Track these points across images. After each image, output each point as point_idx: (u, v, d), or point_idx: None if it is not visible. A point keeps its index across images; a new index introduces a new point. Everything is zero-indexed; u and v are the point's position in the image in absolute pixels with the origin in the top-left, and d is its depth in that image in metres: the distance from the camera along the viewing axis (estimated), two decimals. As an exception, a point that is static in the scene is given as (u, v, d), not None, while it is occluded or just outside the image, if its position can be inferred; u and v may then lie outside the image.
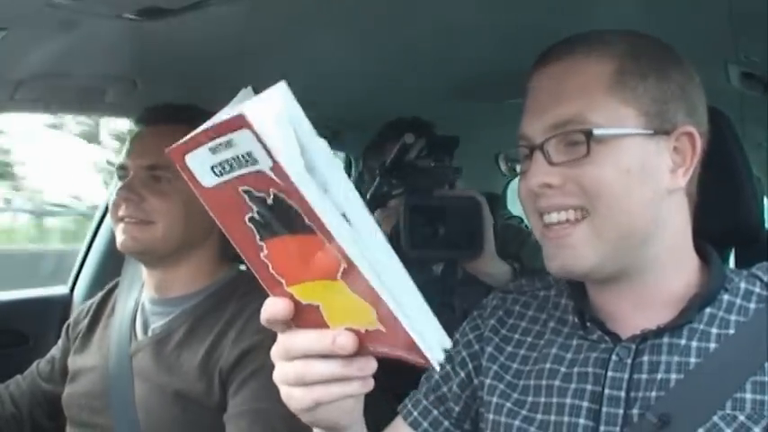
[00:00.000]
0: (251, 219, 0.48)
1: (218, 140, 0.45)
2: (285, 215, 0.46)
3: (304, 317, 0.52)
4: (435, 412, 0.79)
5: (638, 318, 0.69)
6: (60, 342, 1.23)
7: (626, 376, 0.66)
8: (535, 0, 1.05)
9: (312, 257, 0.47)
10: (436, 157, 1.28)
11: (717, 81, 1.38)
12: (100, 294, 1.24)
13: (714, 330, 0.66)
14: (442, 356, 0.49)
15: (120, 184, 1.09)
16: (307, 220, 0.45)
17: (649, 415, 0.64)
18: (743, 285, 0.69)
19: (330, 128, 1.82)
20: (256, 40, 1.14)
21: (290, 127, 0.44)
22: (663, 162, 0.67)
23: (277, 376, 0.55)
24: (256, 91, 0.47)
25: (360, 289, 0.47)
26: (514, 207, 2.54)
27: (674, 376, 0.65)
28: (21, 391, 1.20)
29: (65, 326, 1.24)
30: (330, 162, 0.46)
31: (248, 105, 0.44)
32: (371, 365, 0.53)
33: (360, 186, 1.91)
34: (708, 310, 0.67)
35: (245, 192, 0.47)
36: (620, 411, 0.65)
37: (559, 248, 0.68)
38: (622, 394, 0.66)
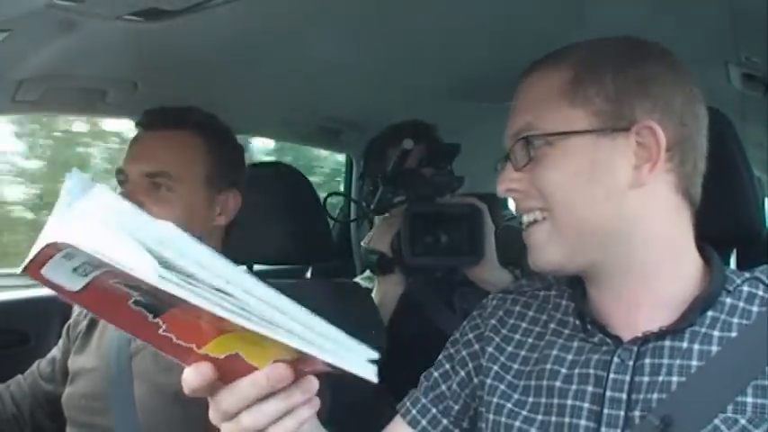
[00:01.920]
0: (135, 302, 0.46)
1: (64, 250, 0.43)
2: (164, 295, 0.44)
3: (228, 370, 0.51)
4: (434, 410, 0.79)
5: (638, 320, 0.69)
6: (61, 343, 1.23)
7: (627, 378, 0.66)
8: (535, 2, 1.05)
9: (203, 318, 0.46)
10: (437, 165, 1.28)
11: (717, 82, 1.38)
12: (100, 295, 1.24)
13: (716, 333, 0.66)
14: (373, 369, 0.49)
15: (119, 188, 1.09)
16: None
17: (651, 417, 0.64)
18: (745, 288, 0.68)
19: (330, 128, 1.83)
20: (256, 40, 1.14)
21: (126, 233, 0.43)
22: (622, 159, 0.67)
23: None
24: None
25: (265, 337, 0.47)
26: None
27: (675, 379, 0.65)
28: (22, 391, 1.20)
29: (65, 326, 1.24)
30: (182, 246, 0.45)
31: (71, 227, 0.42)
32: (314, 384, 0.53)
33: (361, 188, 1.92)
34: (710, 312, 0.67)
35: (118, 282, 0.45)
36: (622, 413, 0.65)
37: (530, 247, 0.72)
38: (624, 396, 0.66)
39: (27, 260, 0.44)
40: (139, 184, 1.06)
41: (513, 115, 0.72)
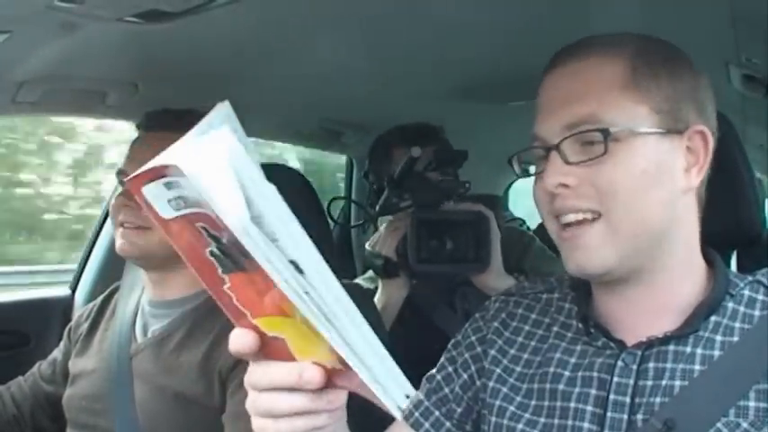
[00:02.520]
0: (211, 252, 0.47)
1: (168, 178, 0.44)
2: (241, 254, 0.45)
3: (271, 348, 0.51)
4: (437, 413, 0.79)
5: (644, 325, 0.69)
6: (62, 344, 1.23)
7: (631, 382, 0.66)
8: (537, 2, 1.05)
9: (268, 293, 0.47)
10: (443, 171, 1.28)
11: (718, 83, 1.37)
12: (101, 297, 1.24)
13: (718, 338, 0.66)
14: (404, 404, 0.49)
15: (120, 189, 1.10)
16: (256, 266, 0.45)
17: (654, 420, 0.64)
18: (746, 292, 0.68)
19: (331, 129, 1.83)
20: (257, 42, 1.14)
21: (234, 177, 0.43)
22: (677, 161, 0.66)
23: (249, 405, 0.55)
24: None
25: (317, 332, 0.47)
26: (516, 208, 2.54)
27: (678, 383, 0.65)
28: (22, 393, 1.20)
29: (66, 328, 1.24)
30: (279, 209, 0.45)
31: (188, 153, 0.43)
32: (341, 398, 0.53)
33: (364, 188, 1.91)
34: (713, 317, 0.67)
35: (202, 228, 0.45)
36: (625, 417, 0.65)
37: (575, 249, 0.67)
38: (627, 399, 0.66)
39: (135, 173, 0.45)
40: None
41: (564, 104, 0.67)
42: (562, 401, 0.69)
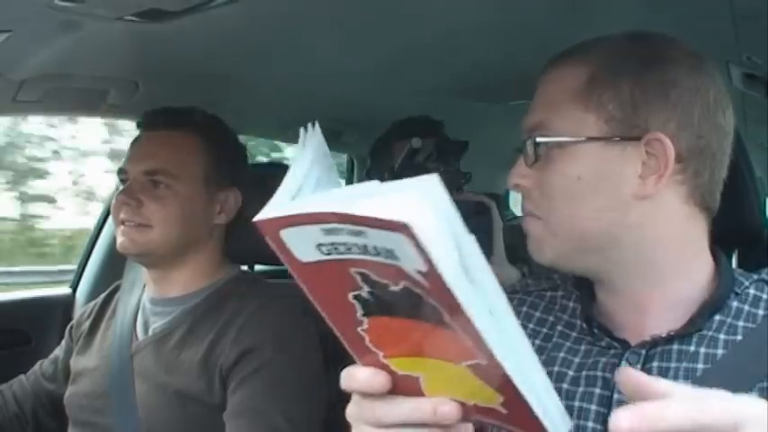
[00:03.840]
0: (356, 296, 0.43)
1: (332, 224, 0.38)
2: (407, 302, 0.41)
3: (398, 385, 0.48)
4: None
5: (645, 323, 0.68)
6: (63, 343, 1.23)
7: None
8: (537, 1, 1.05)
9: (425, 340, 0.43)
10: (445, 162, 1.28)
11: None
12: (102, 296, 1.24)
13: (722, 336, 0.66)
14: None
15: (120, 187, 1.10)
16: (447, 318, 0.41)
17: None
18: (752, 291, 0.68)
19: (331, 128, 1.83)
20: (257, 41, 1.14)
21: (450, 230, 0.39)
22: (629, 168, 0.65)
23: None
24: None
25: (490, 378, 0.43)
26: (517, 208, 2.54)
27: (681, 382, 0.64)
28: (24, 391, 1.20)
29: (68, 327, 1.24)
30: (477, 254, 0.41)
31: (410, 209, 0.37)
32: (468, 431, 0.50)
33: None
34: (717, 316, 0.67)
35: (359, 273, 0.41)
36: None
37: (529, 237, 0.72)
38: None
39: (277, 216, 0.40)
40: (139, 182, 1.08)
41: (530, 111, 0.71)
42: (566, 400, 0.69)
